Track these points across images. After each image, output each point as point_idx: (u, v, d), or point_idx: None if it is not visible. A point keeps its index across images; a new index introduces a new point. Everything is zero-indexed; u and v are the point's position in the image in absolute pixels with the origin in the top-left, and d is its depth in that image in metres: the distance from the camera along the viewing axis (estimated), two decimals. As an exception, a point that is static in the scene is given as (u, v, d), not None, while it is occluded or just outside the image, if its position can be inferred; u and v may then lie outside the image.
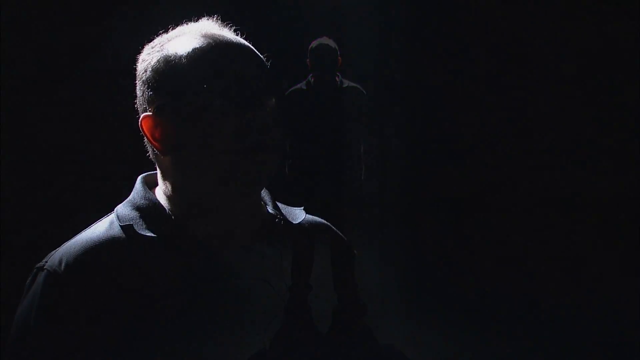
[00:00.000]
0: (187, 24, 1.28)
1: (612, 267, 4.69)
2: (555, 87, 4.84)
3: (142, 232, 1.20)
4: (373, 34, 5.06)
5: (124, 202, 1.27)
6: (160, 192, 1.26)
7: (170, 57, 1.21)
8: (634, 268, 4.49)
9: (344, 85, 4.57)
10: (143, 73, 1.24)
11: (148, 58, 1.24)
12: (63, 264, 1.16)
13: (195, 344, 1.16)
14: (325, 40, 4.59)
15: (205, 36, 1.23)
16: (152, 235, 1.20)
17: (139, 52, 1.27)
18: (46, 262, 1.19)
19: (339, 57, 4.59)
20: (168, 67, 1.21)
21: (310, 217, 1.37)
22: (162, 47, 1.24)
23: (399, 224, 4.97)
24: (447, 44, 4.37)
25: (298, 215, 1.34)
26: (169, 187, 1.24)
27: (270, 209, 1.31)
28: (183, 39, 1.23)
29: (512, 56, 4.81)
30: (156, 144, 1.22)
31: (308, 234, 1.33)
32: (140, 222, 1.21)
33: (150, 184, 1.29)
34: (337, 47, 4.60)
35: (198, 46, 1.21)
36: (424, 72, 4.97)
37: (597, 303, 4.44)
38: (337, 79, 4.58)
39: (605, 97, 4.76)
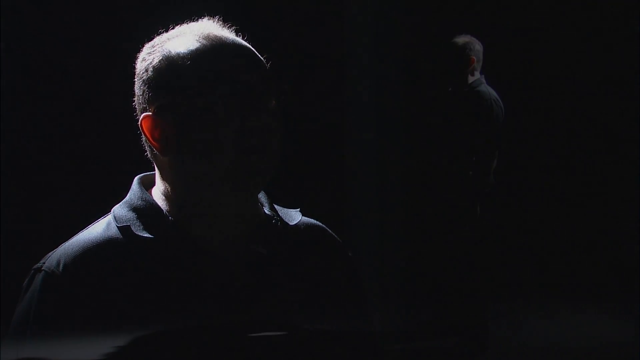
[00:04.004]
0: (187, 23, 1.27)
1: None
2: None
3: (139, 233, 1.20)
4: (376, 35, 5.01)
5: (121, 202, 1.27)
6: (158, 193, 1.26)
7: (172, 57, 1.20)
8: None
9: None
10: (143, 72, 1.22)
11: (149, 57, 1.23)
12: (61, 265, 1.16)
13: (191, 345, 1.16)
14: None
15: (206, 37, 1.22)
16: (149, 236, 1.20)
17: (139, 51, 1.26)
18: (44, 263, 1.19)
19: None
20: (169, 68, 1.20)
21: (306, 219, 1.37)
22: (163, 47, 1.23)
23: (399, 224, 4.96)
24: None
25: (294, 216, 1.35)
26: (167, 188, 1.24)
27: (267, 210, 1.31)
28: (184, 40, 1.22)
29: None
30: (155, 144, 1.21)
31: (304, 236, 1.33)
32: (138, 223, 1.21)
33: (147, 185, 1.29)
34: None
35: (200, 47, 1.20)
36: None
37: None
38: None
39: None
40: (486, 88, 4.13)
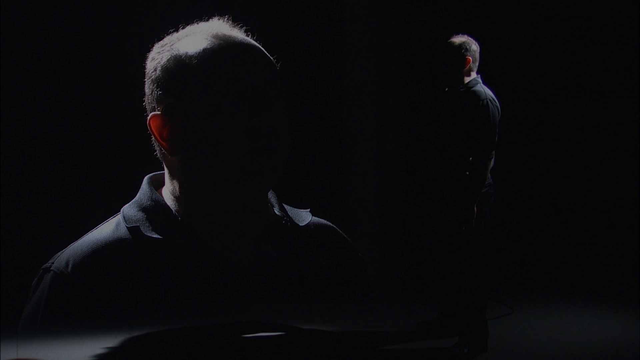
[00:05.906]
0: (197, 23, 1.26)
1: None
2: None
3: (149, 234, 1.19)
4: (374, 35, 5.00)
5: (131, 202, 1.26)
6: (167, 192, 1.25)
7: (181, 57, 1.19)
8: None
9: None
10: (153, 72, 1.21)
11: (158, 57, 1.22)
12: (70, 265, 1.16)
13: (193, 345, 1.16)
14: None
15: (215, 37, 1.21)
16: (159, 237, 1.19)
17: (149, 50, 1.25)
18: (52, 263, 1.18)
19: None
20: (178, 67, 1.19)
21: (316, 219, 1.37)
22: (172, 47, 1.22)
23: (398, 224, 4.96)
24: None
25: (304, 217, 1.34)
26: (176, 188, 1.23)
27: (276, 211, 1.31)
28: (194, 39, 1.21)
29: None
30: (164, 144, 1.20)
31: (314, 236, 1.33)
32: (147, 224, 1.20)
33: (157, 184, 1.28)
34: None
35: (209, 47, 1.19)
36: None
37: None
38: None
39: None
40: (482, 88, 4.13)
